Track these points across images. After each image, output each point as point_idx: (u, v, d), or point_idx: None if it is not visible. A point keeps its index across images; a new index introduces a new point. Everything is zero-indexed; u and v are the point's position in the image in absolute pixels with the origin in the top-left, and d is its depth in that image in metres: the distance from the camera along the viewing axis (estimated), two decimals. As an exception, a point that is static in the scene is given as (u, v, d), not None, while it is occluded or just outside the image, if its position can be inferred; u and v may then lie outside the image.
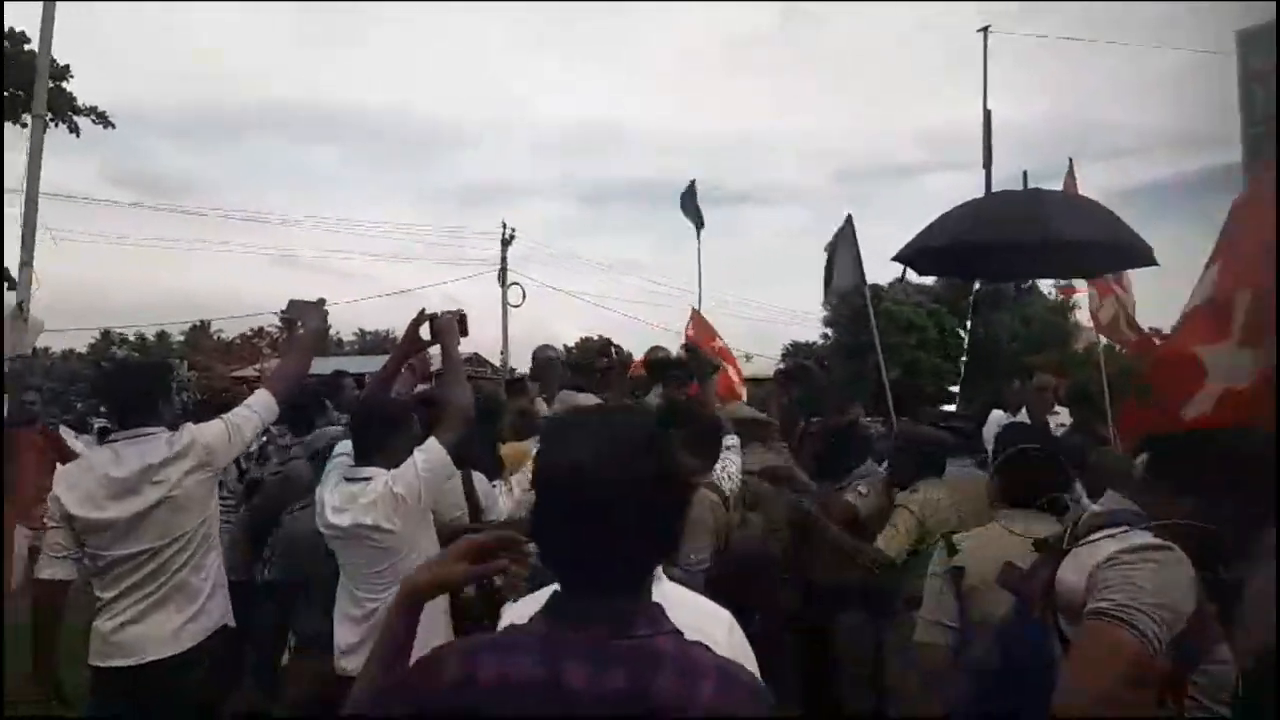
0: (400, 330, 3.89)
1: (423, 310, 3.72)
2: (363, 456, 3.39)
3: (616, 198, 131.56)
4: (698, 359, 4.88)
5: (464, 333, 3.67)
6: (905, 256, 4.94)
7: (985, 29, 19.96)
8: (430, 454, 3.32)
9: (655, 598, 1.54)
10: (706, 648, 1.38)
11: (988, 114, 15.71)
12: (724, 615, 1.88)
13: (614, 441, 1.36)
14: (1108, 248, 4.80)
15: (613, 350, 5.63)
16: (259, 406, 3.54)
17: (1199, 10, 23.98)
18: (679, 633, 1.37)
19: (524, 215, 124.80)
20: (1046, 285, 26.07)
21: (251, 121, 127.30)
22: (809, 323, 35.14)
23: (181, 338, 56.90)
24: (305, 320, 3.86)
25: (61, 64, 16.58)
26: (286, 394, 3.67)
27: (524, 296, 30.15)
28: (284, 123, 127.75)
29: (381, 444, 3.36)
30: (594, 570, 1.36)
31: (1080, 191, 6.49)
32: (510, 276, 31.29)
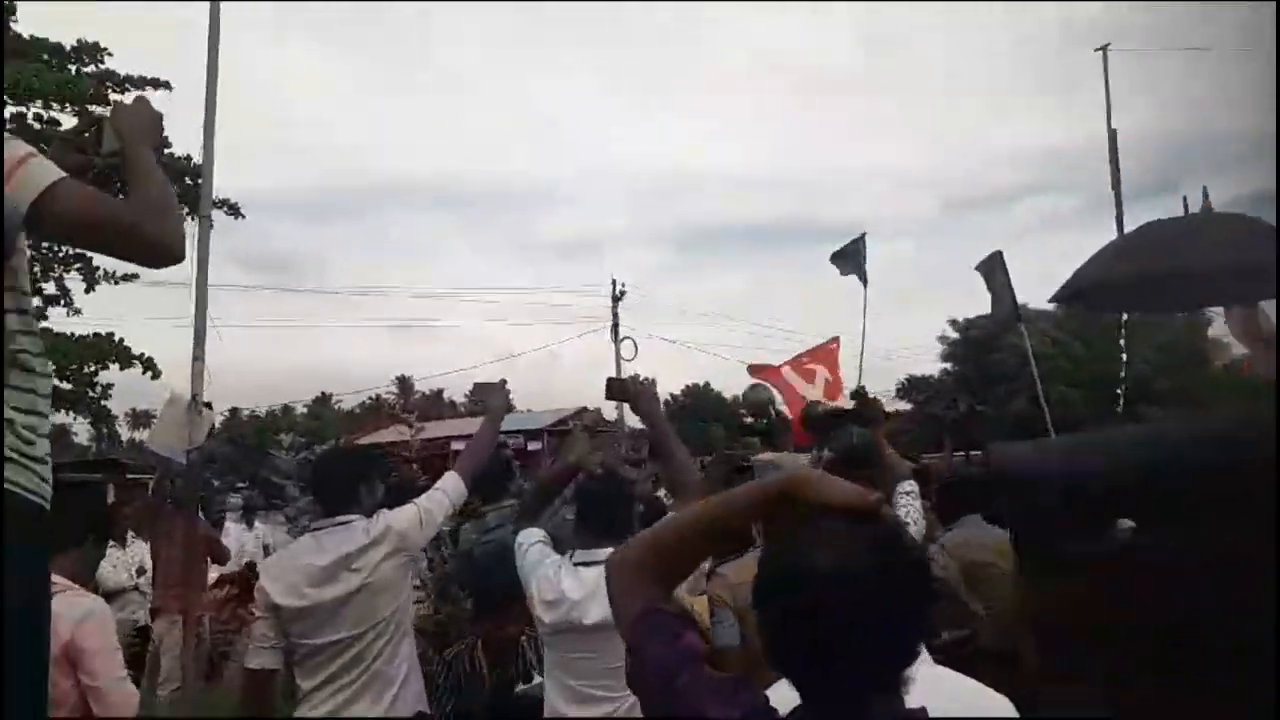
0: (515, 392, 4.08)
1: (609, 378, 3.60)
2: (595, 537, 3.20)
3: (710, 243, 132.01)
4: (866, 404, 4.71)
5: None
6: (1063, 297, 4.75)
7: (1105, 47, 19.23)
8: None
9: (921, 686, 1.43)
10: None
11: (1113, 134, 15.15)
12: (1000, 701, 1.72)
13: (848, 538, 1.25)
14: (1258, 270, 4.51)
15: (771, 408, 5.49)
16: (449, 489, 3.54)
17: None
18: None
19: (618, 266, 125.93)
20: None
21: (354, 198, 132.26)
22: (924, 357, 34.39)
23: (305, 410, 59.05)
24: (489, 401, 3.90)
25: (195, 163, 17.46)
26: (474, 475, 3.66)
27: (636, 350, 30.26)
28: (388, 197, 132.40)
29: (612, 523, 3.20)
30: (836, 677, 1.24)
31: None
32: (637, 331, 31.57)
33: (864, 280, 9.08)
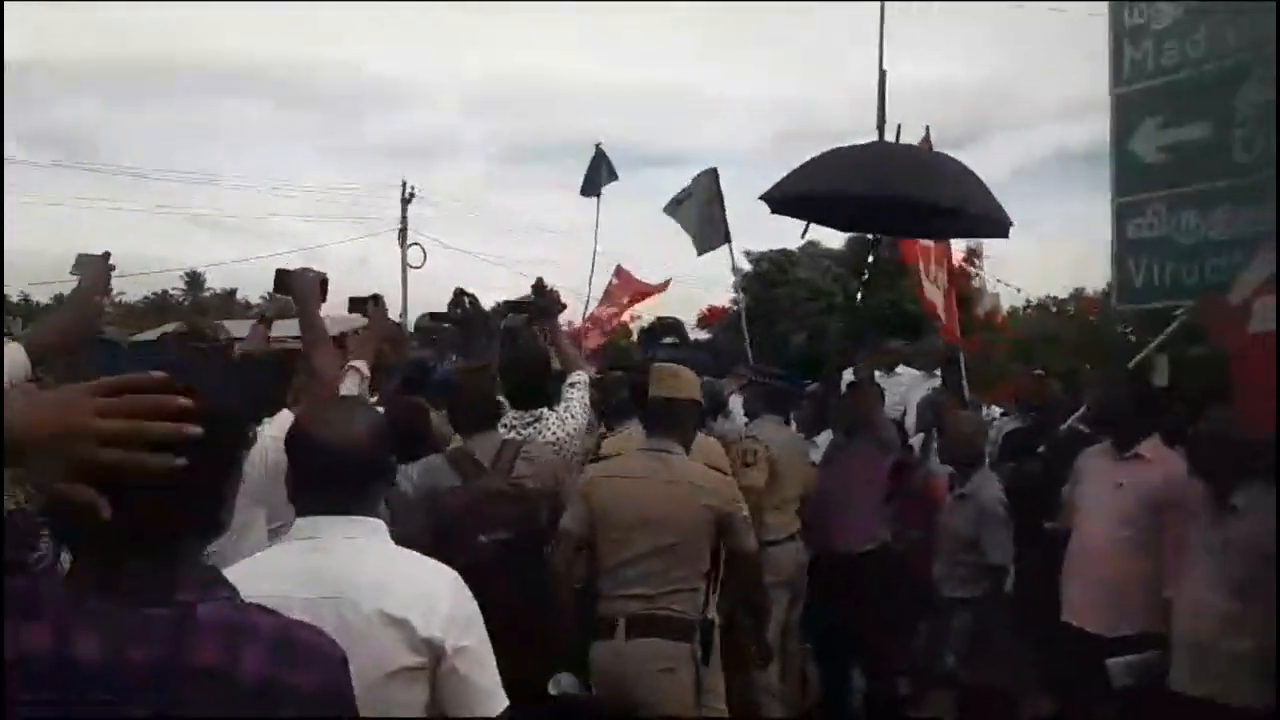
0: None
1: (278, 270, 3.44)
2: None
3: (538, 158, 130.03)
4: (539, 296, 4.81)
5: (323, 298, 3.35)
6: (772, 197, 4.90)
7: None
8: (284, 428, 3.02)
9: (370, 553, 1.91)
10: (270, 612, 1.31)
11: (883, 74, 15.63)
12: (447, 573, 1.99)
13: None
14: (973, 214, 4.84)
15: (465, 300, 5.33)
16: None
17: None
18: (232, 598, 1.29)
19: (444, 174, 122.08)
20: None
21: (167, 76, 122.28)
22: (721, 288, 35.37)
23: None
24: (296, 287, 3.39)
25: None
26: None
27: (425, 257, 29.44)
28: (202, 77, 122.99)
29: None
30: (121, 534, 1.21)
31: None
32: (418, 237, 30.50)
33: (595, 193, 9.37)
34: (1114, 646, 3.78)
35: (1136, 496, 3.94)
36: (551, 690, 3.36)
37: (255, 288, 53.82)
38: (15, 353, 3.10)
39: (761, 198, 4.88)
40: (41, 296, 46.31)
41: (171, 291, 55.98)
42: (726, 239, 7.83)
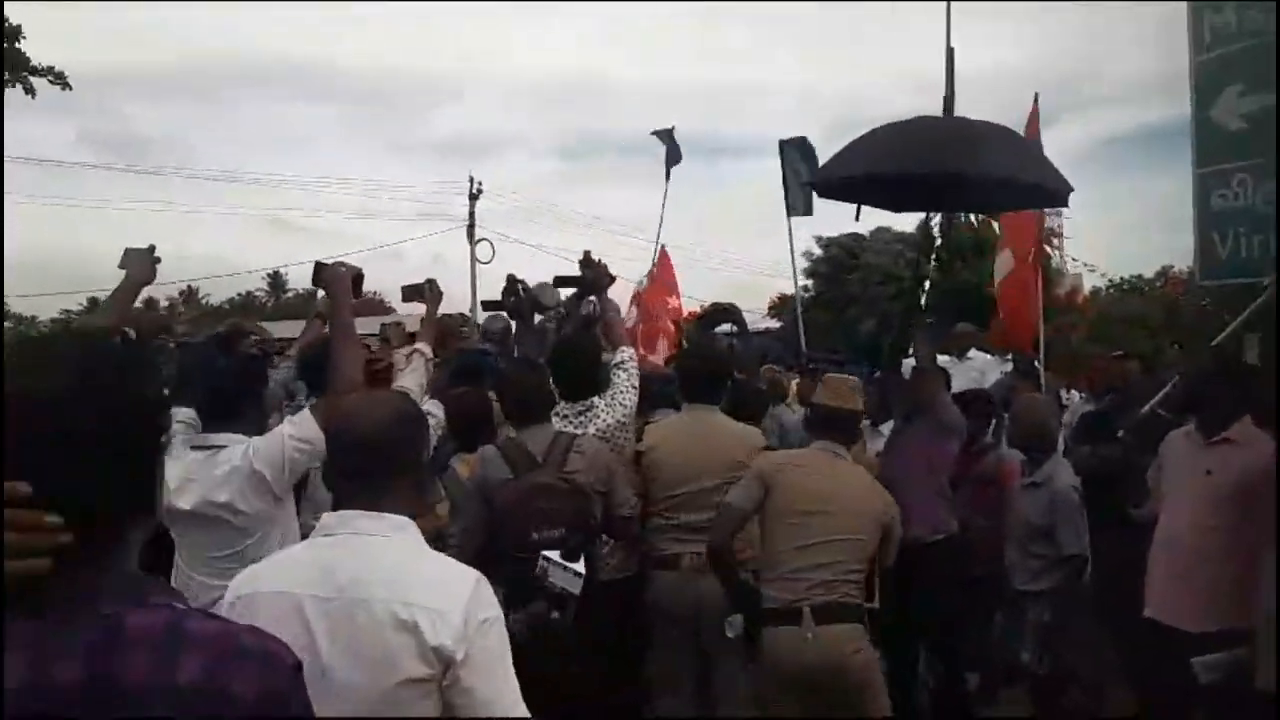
0: (383, 288, 3.79)
1: (316, 262, 3.43)
2: (213, 421, 3.10)
3: (599, 151, 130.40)
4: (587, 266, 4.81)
5: (356, 294, 3.38)
6: (820, 181, 4.76)
7: None
8: (302, 426, 2.96)
9: (391, 551, 1.84)
10: (213, 618, 1.26)
11: (950, 52, 15.28)
12: (469, 577, 1.87)
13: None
14: (1029, 185, 4.60)
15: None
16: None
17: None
18: (169, 605, 1.20)
19: (504, 170, 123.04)
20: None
21: (228, 81, 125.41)
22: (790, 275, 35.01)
23: (168, 304, 56.45)
24: (329, 286, 3.41)
25: (14, 24, 16.26)
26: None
27: (493, 253, 29.79)
28: (262, 81, 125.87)
29: (235, 407, 3.11)
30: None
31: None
32: (485, 233, 30.90)
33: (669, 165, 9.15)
34: (1200, 643, 3.53)
35: (1225, 484, 3.63)
36: (729, 634, 3.75)
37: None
38: None
39: (808, 184, 4.75)
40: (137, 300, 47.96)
41: (255, 293, 57.50)
42: (807, 209, 7.87)
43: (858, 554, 3.70)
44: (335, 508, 1.95)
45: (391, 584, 1.80)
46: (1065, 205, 4.95)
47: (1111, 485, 4.55)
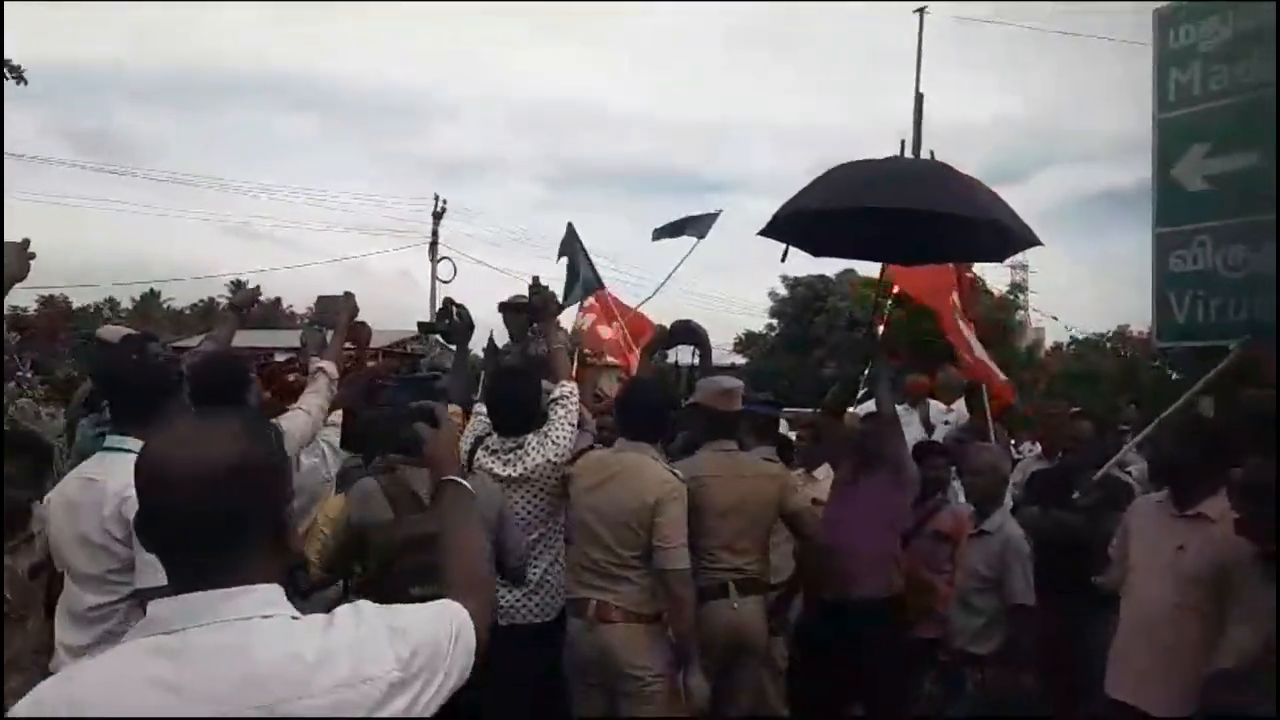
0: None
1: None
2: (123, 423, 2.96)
3: (585, 181, 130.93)
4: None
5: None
6: (775, 228, 4.54)
7: (921, 9, 19.31)
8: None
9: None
10: None
11: (919, 98, 15.28)
12: (375, 621, 1.45)
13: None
14: (999, 230, 4.43)
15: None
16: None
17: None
18: None
19: (488, 193, 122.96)
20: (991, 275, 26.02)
21: (214, 87, 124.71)
22: (757, 313, 35.01)
23: (130, 305, 55.60)
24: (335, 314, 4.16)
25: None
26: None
27: (455, 271, 30.04)
28: (250, 89, 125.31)
29: (150, 409, 2.91)
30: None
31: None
32: (459, 254, 31.09)
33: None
34: None
35: (1200, 562, 3.41)
36: None
37: (300, 297, 54.72)
38: None
39: (761, 232, 4.56)
40: (96, 299, 47.20)
41: (218, 299, 56.83)
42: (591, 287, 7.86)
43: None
44: (168, 588, 1.41)
45: (318, 678, 1.34)
46: (1002, 258, 4.83)
47: (1067, 549, 4.41)
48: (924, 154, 5.39)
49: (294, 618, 1.39)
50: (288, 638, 1.35)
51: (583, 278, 7.75)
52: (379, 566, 3.17)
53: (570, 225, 7.93)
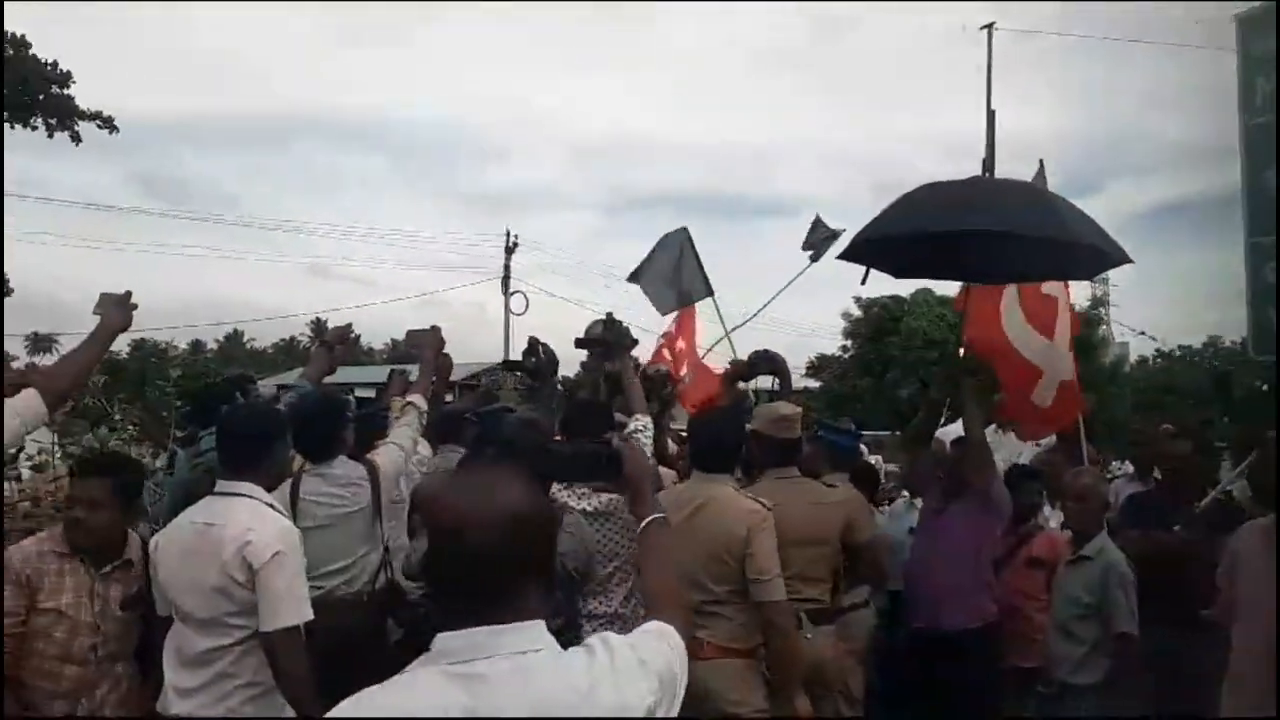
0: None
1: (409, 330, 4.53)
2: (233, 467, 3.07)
3: (641, 208, 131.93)
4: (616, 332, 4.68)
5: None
6: (855, 251, 4.50)
7: (989, 26, 19.02)
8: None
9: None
10: None
11: (991, 114, 14.99)
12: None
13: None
14: (1087, 250, 4.33)
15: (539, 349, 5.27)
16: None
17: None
18: None
19: (551, 224, 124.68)
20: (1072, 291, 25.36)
21: (284, 132, 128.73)
22: (830, 335, 34.63)
23: (215, 346, 57.42)
24: (422, 348, 4.46)
25: (65, 70, 16.72)
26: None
27: (527, 304, 30.30)
28: (317, 133, 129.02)
29: (259, 453, 3.06)
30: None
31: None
32: (526, 286, 31.43)
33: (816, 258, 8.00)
34: None
35: None
36: None
37: (376, 334, 55.97)
38: (31, 399, 3.07)
39: (841, 256, 4.54)
40: (181, 341, 48.69)
41: (298, 337, 58.35)
42: (705, 292, 7.60)
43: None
44: (448, 624, 1.52)
45: (590, 706, 1.49)
46: (1115, 267, 4.68)
47: (1171, 577, 4.26)
48: (999, 171, 5.28)
49: (557, 651, 1.54)
50: (560, 669, 1.50)
51: (689, 284, 7.60)
52: None
53: (684, 230, 7.76)
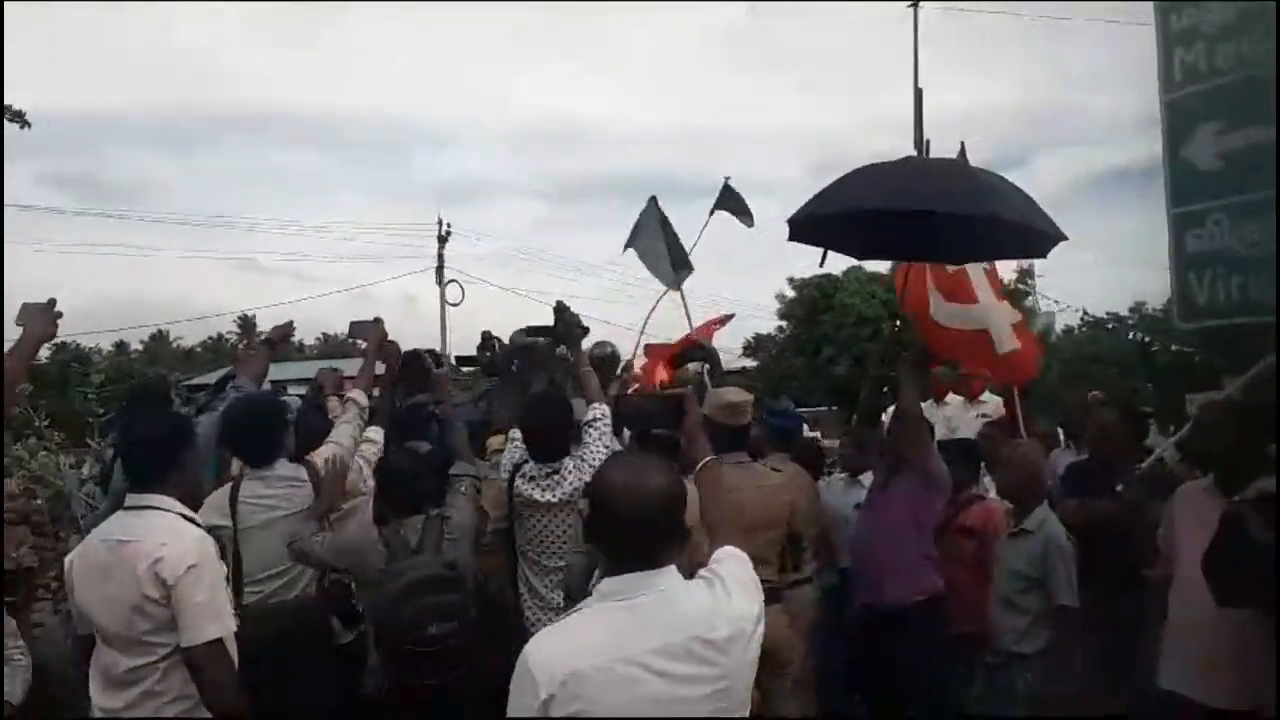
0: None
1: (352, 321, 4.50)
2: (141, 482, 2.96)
3: (587, 195, 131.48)
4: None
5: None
6: (797, 221, 4.52)
7: (915, 2, 19.15)
8: None
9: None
10: None
11: (919, 93, 15.18)
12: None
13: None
14: (1022, 230, 4.39)
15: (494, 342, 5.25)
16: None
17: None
18: None
19: (491, 214, 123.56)
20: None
21: (212, 124, 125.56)
22: (765, 315, 34.90)
23: (140, 347, 55.83)
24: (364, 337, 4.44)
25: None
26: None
27: (463, 294, 30.04)
28: (249, 126, 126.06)
29: (168, 466, 2.95)
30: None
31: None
32: (466, 278, 31.14)
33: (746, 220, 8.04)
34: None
35: None
36: None
37: (307, 330, 54.99)
38: None
39: (789, 222, 4.55)
40: (105, 343, 47.24)
41: (226, 335, 57.01)
42: (686, 267, 7.53)
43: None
44: (611, 572, 2.05)
45: (720, 617, 2.03)
46: (1043, 255, 4.76)
47: (1112, 541, 4.37)
48: (933, 151, 5.33)
49: (687, 585, 2.07)
50: (694, 595, 2.06)
51: (675, 259, 7.50)
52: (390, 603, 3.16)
53: (653, 199, 7.66)
